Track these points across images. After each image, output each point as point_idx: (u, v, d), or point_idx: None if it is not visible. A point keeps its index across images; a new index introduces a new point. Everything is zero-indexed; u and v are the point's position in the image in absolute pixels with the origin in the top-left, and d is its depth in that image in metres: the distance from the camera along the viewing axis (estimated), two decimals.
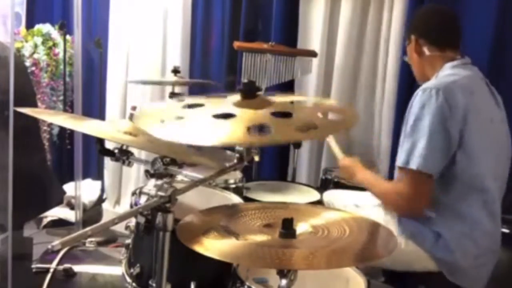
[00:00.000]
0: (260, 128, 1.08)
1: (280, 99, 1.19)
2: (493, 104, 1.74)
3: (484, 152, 1.60)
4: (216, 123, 1.06)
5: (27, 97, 2.18)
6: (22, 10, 3.65)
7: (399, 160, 1.60)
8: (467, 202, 1.60)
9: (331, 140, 2.09)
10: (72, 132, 3.14)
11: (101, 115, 3.44)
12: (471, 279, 1.63)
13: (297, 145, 2.69)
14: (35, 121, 2.26)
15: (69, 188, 2.89)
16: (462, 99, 1.57)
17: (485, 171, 1.61)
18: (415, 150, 1.55)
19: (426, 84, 1.61)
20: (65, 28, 3.29)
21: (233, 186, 2.02)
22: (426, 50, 1.75)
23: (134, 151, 1.34)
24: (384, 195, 1.72)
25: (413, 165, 1.54)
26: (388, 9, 2.65)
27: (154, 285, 1.12)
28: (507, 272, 1.91)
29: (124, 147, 1.32)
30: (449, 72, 1.68)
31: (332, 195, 2.18)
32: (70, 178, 2.87)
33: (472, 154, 1.58)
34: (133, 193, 1.48)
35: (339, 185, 2.38)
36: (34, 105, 2.39)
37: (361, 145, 2.77)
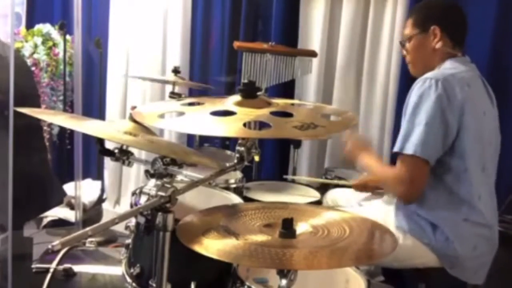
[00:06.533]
0: (260, 125, 1.08)
1: (281, 101, 1.20)
2: (487, 99, 1.76)
3: (476, 142, 1.63)
4: (214, 119, 1.07)
5: (30, 98, 2.18)
6: (22, 10, 3.66)
7: (396, 146, 1.62)
8: (460, 192, 1.61)
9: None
10: (72, 132, 3.14)
11: (101, 115, 3.44)
12: (471, 272, 1.65)
13: (297, 145, 2.69)
14: (38, 122, 2.26)
15: (69, 188, 2.88)
16: (460, 91, 1.60)
17: (475, 161, 1.63)
18: (411, 136, 1.58)
19: (426, 75, 1.63)
20: (65, 28, 3.28)
21: (233, 186, 2.02)
22: (440, 43, 1.74)
23: (134, 151, 1.33)
24: (385, 180, 1.77)
25: (409, 150, 1.57)
26: (390, 8, 2.65)
27: (154, 285, 1.12)
28: (507, 272, 1.91)
29: (124, 147, 1.31)
30: (449, 66, 1.71)
31: (334, 195, 2.19)
32: (70, 178, 2.87)
33: (466, 144, 1.60)
34: (133, 193, 1.47)
35: (339, 185, 2.38)
36: (37, 106, 2.39)
37: None
